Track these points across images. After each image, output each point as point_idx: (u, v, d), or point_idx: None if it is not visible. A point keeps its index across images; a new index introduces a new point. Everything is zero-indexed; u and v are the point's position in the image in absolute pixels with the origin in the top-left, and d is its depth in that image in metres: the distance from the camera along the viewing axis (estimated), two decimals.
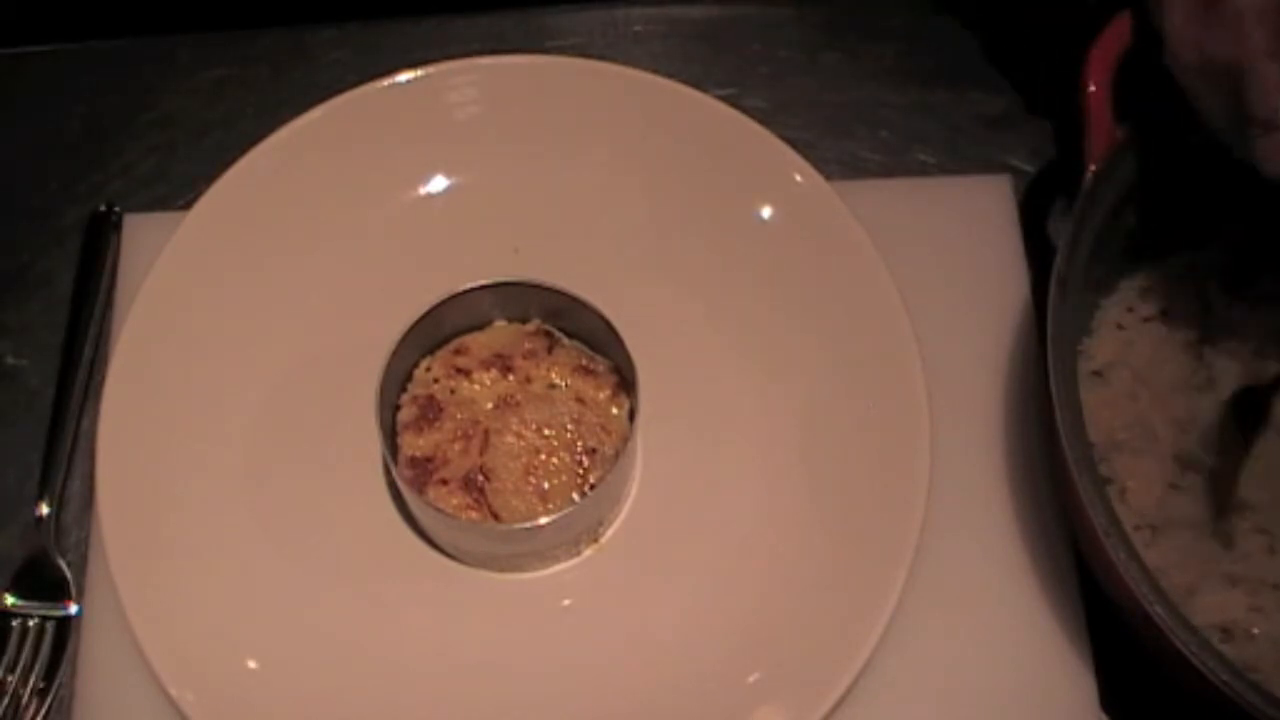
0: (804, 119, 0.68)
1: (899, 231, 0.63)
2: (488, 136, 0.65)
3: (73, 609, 0.58)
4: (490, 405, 0.58)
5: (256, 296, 0.62)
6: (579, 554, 0.58)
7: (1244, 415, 0.56)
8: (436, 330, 0.59)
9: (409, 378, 0.59)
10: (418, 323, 0.58)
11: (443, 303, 0.58)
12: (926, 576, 0.57)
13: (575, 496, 0.57)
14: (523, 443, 0.58)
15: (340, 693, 0.55)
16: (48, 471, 0.60)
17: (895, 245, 0.61)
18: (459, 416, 0.58)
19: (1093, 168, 0.56)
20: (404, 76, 0.64)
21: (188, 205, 0.63)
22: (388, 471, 0.59)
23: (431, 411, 0.58)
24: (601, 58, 0.67)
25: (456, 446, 0.57)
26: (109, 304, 0.64)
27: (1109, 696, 0.56)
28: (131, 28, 0.71)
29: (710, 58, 0.70)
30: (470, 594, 0.58)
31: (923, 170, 0.67)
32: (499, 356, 0.59)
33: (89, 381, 0.63)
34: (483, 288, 0.58)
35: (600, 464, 0.58)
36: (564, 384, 0.59)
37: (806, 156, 0.62)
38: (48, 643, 0.57)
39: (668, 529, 0.59)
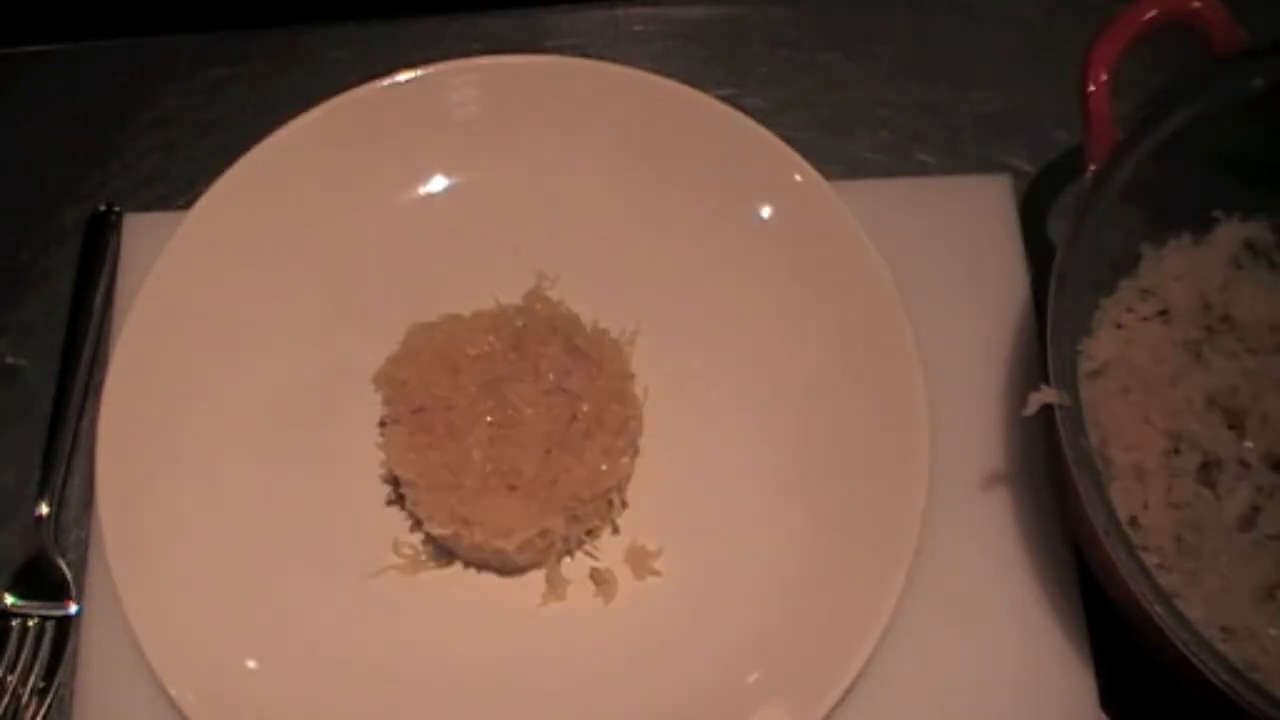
0: (804, 119, 0.68)
1: (899, 231, 0.63)
2: (488, 136, 0.65)
3: (73, 609, 0.58)
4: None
5: (256, 296, 0.62)
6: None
7: None
8: None
9: None
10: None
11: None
12: (926, 576, 0.57)
13: None
14: None
15: (339, 693, 0.55)
16: (48, 471, 0.60)
17: (895, 245, 0.61)
18: None
19: (1093, 168, 0.56)
20: (404, 76, 0.64)
21: (188, 205, 0.63)
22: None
23: None
24: (601, 58, 0.67)
25: None
26: (109, 304, 0.64)
27: (1109, 696, 0.56)
28: (131, 28, 0.71)
29: (710, 58, 0.70)
30: (470, 594, 0.58)
31: (923, 170, 0.67)
32: None
33: (89, 381, 0.63)
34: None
35: None
36: None
37: (806, 156, 0.62)
38: (48, 642, 0.57)
39: (667, 530, 0.59)
